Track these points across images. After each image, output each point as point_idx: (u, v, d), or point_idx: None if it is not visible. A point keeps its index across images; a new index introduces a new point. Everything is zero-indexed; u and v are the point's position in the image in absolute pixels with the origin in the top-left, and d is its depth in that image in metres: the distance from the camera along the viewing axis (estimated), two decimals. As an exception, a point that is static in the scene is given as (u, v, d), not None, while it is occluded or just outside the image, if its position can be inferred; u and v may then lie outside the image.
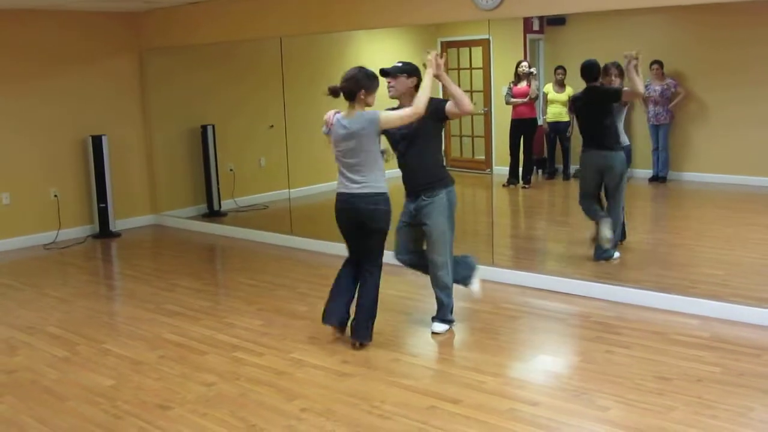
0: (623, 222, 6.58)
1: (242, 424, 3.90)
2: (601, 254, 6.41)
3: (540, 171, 8.62)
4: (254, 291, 6.35)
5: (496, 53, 7.51)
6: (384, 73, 4.90)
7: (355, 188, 4.81)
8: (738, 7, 5.55)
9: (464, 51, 8.61)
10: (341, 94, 4.75)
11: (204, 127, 9.26)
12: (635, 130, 8.18)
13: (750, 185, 7.41)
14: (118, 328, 5.58)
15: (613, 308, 5.52)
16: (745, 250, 6.68)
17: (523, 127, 8.13)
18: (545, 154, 8.48)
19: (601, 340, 4.89)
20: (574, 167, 8.33)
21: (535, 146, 8.30)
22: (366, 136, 4.72)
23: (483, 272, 6.34)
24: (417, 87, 4.89)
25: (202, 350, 4.99)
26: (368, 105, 4.79)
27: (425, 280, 5.24)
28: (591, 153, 6.45)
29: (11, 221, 8.23)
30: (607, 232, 6.25)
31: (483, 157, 8.71)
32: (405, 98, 4.93)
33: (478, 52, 8.39)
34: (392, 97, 4.99)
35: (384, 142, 5.01)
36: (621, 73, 6.39)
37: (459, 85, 4.78)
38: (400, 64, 4.95)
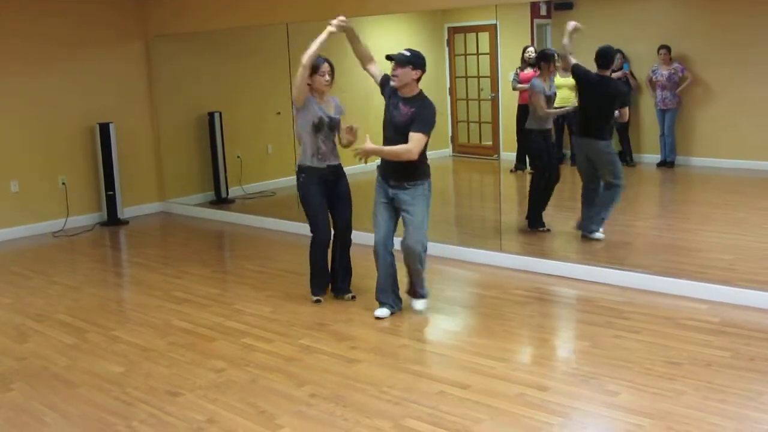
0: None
1: (252, 409, 3.91)
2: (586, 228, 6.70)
3: (548, 156, 8.59)
4: (262, 277, 6.37)
5: (503, 39, 7.47)
6: (390, 58, 4.91)
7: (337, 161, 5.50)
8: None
9: (471, 36, 8.59)
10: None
11: (211, 114, 9.26)
12: (643, 116, 8.16)
13: (759, 170, 7.38)
14: (127, 316, 5.60)
15: (622, 293, 5.51)
16: (754, 235, 6.66)
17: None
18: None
19: (610, 325, 4.88)
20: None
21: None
22: None
23: (492, 258, 6.38)
24: (419, 80, 4.92)
25: (212, 337, 5.01)
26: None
27: (430, 264, 5.23)
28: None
29: (20, 209, 8.25)
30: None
31: (490, 143, 8.69)
32: (406, 88, 4.92)
33: (485, 38, 8.36)
34: (395, 86, 4.93)
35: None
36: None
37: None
38: (408, 54, 4.88)
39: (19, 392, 4.26)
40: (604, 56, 6.42)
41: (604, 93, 6.45)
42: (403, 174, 4.96)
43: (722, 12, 7.24)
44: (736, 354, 4.34)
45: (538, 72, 7.03)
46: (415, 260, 5.09)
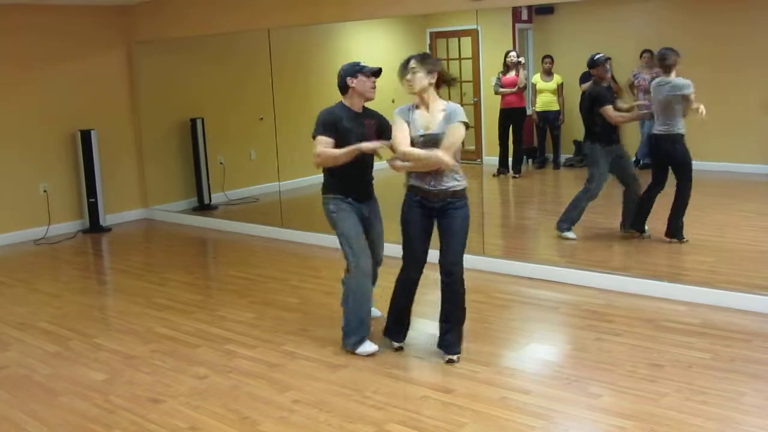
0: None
1: (235, 416, 3.90)
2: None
3: (530, 160, 8.63)
4: (245, 284, 6.35)
5: (485, 43, 7.50)
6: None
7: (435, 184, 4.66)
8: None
9: (453, 41, 8.60)
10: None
11: (193, 120, 9.24)
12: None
13: (738, 172, 7.42)
14: (109, 323, 5.58)
15: (604, 296, 5.54)
16: (734, 237, 6.71)
17: (512, 117, 8.13)
18: (535, 144, 8.48)
19: (592, 328, 4.91)
20: (565, 156, 8.33)
21: (524, 136, 8.30)
22: None
23: (475, 262, 6.38)
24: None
25: (194, 343, 4.99)
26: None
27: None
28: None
29: (1, 217, 8.19)
30: None
31: (473, 147, 8.70)
32: (358, 103, 4.79)
33: (467, 43, 8.38)
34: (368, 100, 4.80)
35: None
36: None
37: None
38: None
39: (1, 401, 4.23)
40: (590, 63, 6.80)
41: (584, 97, 6.75)
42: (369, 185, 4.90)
43: (703, 15, 7.28)
44: (716, 355, 4.37)
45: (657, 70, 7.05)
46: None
